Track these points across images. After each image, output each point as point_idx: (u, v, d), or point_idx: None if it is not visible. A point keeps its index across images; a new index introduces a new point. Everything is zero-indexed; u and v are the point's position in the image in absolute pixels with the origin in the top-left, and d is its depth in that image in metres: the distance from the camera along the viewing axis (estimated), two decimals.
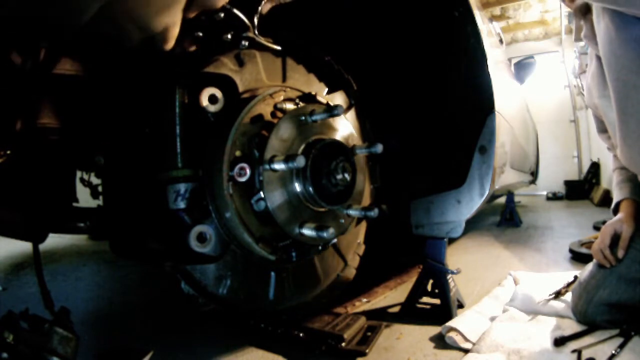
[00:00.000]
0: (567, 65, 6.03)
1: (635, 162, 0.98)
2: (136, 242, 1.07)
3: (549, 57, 6.46)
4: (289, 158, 0.93)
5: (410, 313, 1.35)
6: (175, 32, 0.86)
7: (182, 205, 0.92)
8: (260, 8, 1.05)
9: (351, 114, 1.35)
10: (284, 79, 1.16)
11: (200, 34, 0.95)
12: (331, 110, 1.04)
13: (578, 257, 1.97)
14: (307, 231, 1.00)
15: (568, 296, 1.27)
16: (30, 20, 0.72)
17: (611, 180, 1.34)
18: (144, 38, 0.82)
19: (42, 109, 0.87)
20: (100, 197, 1.24)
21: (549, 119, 6.14)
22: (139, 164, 1.03)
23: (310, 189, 1.01)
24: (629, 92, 0.83)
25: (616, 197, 1.26)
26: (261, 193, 0.96)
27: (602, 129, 1.26)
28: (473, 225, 3.31)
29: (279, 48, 1.13)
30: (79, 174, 1.37)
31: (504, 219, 3.30)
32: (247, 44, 1.03)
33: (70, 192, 1.10)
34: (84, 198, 1.25)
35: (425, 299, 1.36)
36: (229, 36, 1.00)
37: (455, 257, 2.18)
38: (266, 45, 1.09)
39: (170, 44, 0.88)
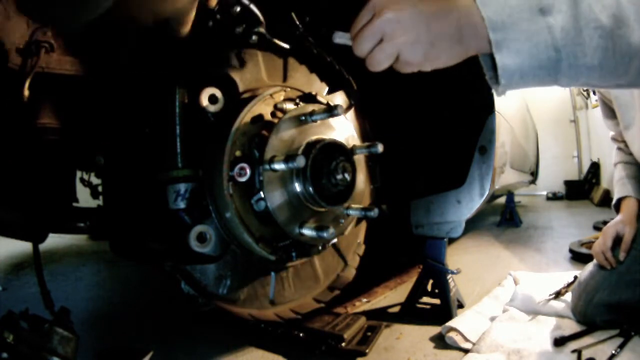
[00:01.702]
0: None
1: None
2: (136, 242, 1.07)
3: None
4: (289, 158, 0.93)
5: (410, 313, 1.35)
6: (191, 16, 0.87)
7: (182, 205, 0.92)
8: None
9: (351, 113, 1.35)
10: (285, 78, 1.16)
11: (211, 24, 0.94)
12: (331, 111, 1.03)
13: (578, 257, 1.97)
14: (307, 231, 1.00)
15: (568, 296, 1.27)
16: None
17: (611, 180, 1.33)
18: (159, 23, 0.82)
19: (42, 109, 0.87)
20: (100, 197, 1.24)
21: (549, 119, 6.13)
22: (139, 164, 1.03)
23: (310, 189, 1.01)
24: None
25: (618, 192, 1.25)
26: (261, 193, 0.96)
27: (609, 115, 1.24)
28: (473, 225, 3.31)
29: (287, 46, 1.11)
30: (79, 174, 1.38)
31: (504, 219, 3.30)
32: (256, 39, 1.02)
33: (70, 192, 1.10)
34: (84, 198, 1.25)
35: (425, 299, 1.36)
36: (240, 30, 0.99)
37: (455, 257, 2.18)
38: (274, 43, 1.07)
39: (185, 29, 0.88)
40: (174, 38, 0.89)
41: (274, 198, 0.97)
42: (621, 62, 0.51)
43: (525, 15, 0.50)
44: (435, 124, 1.42)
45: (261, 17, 1.01)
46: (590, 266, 1.20)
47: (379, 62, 0.56)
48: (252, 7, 0.99)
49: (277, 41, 1.09)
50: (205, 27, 0.95)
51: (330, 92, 1.30)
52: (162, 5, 0.83)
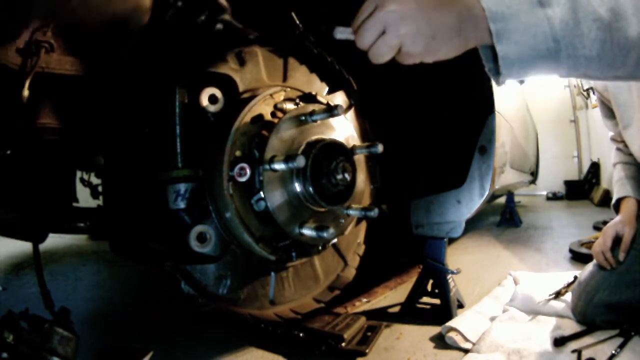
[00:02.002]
0: None
1: None
2: (136, 242, 1.07)
3: None
4: (289, 158, 0.93)
5: (410, 313, 1.35)
6: (147, 4, 0.85)
7: (182, 205, 0.92)
8: None
9: (351, 113, 1.35)
10: (285, 78, 1.16)
11: (172, 13, 0.90)
12: (331, 111, 1.03)
13: (578, 257, 1.97)
14: (307, 231, 1.00)
15: (568, 296, 1.27)
16: None
17: (611, 180, 1.33)
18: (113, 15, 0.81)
19: (42, 109, 0.87)
20: (100, 197, 1.24)
21: (549, 119, 6.12)
22: (139, 164, 1.03)
23: (310, 189, 1.01)
24: None
25: (617, 193, 1.25)
26: (261, 193, 0.96)
27: (608, 115, 1.24)
28: (473, 225, 3.31)
29: (252, 37, 1.06)
30: (79, 174, 1.37)
31: (504, 219, 3.30)
32: (221, 27, 0.97)
33: (70, 192, 1.10)
34: (84, 198, 1.25)
35: (425, 299, 1.36)
36: (203, 18, 0.94)
37: (455, 257, 2.18)
38: (244, 31, 1.03)
39: (143, 19, 0.85)
40: (130, 29, 0.85)
41: (274, 198, 0.97)
42: (619, 54, 0.52)
43: (524, 7, 0.52)
44: (435, 124, 1.42)
45: (225, 3, 0.95)
46: (590, 266, 1.20)
47: (381, 54, 0.57)
48: None
49: (248, 31, 1.02)
50: (164, 17, 0.90)
51: (330, 92, 1.30)
52: None
